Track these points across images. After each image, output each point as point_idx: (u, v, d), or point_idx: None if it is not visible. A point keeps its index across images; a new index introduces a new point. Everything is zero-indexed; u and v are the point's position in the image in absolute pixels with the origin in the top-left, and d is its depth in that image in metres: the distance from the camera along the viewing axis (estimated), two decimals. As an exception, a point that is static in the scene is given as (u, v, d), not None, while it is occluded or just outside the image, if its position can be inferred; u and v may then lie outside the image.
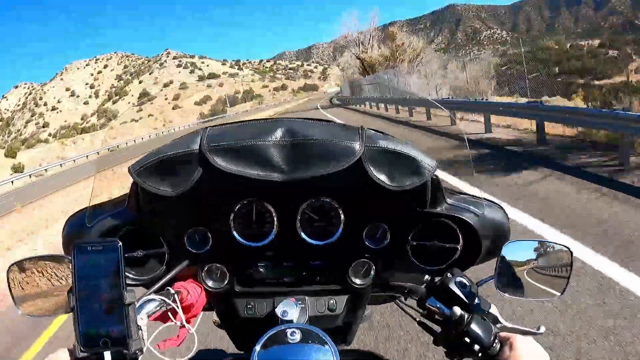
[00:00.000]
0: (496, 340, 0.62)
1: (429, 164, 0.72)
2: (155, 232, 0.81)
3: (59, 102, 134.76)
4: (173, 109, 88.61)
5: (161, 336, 0.70)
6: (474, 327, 0.63)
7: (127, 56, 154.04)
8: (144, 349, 0.59)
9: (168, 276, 0.79)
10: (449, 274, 0.70)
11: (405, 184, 0.71)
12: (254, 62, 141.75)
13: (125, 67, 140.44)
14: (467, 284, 0.68)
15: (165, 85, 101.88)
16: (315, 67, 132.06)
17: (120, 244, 0.56)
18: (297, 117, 0.78)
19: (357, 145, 0.70)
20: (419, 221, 0.80)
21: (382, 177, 0.71)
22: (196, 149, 0.71)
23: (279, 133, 0.72)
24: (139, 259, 0.80)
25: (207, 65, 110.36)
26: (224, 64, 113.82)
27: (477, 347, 0.62)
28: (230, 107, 78.77)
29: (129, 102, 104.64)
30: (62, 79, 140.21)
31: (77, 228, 0.81)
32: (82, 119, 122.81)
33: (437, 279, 0.72)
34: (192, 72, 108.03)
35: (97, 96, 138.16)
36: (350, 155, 0.69)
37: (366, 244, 0.82)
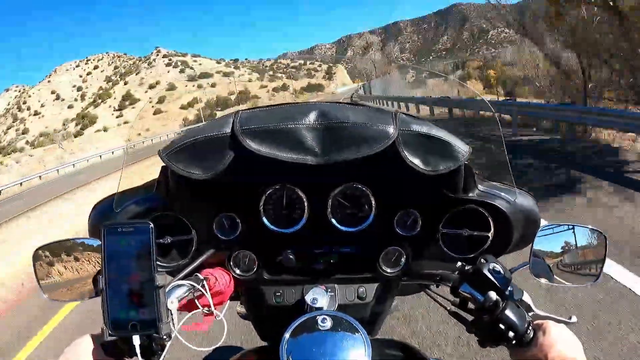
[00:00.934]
0: (530, 328, 0.62)
1: (462, 148, 0.71)
2: (183, 218, 0.80)
3: (42, 106, 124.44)
4: (154, 113, 77.27)
5: (188, 324, 0.68)
6: (508, 313, 0.62)
7: (118, 56, 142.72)
8: (173, 334, 0.57)
9: (197, 262, 0.78)
10: (482, 259, 0.69)
11: (439, 168, 0.70)
12: (253, 61, 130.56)
13: (116, 67, 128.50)
14: (501, 270, 0.67)
15: (151, 87, 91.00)
16: (319, 66, 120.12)
17: (152, 225, 0.54)
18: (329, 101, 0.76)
19: (391, 129, 0.69)
20: (450, 208, 0.79)
21: (417, 161, 0.70)
22: (228, 131, 0.70)
23: (312, 116, 0.71)
24: (166, 246, 0.79)
25: (200, 64, 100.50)
26: (219, 63, 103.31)
27: (511, 334, 0.61)
28: (221, 111, 66.51)
29: (109, 106, 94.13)
30: (49, 81, 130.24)
31: (103, 213, 0.81)
32: (63, 124, 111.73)
33: (468, 266, 0.71)
34: (182, 71, 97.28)
35: (83, 99, 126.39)
36: (384, 138, 0.68)
37: (397, 231, 0.81)
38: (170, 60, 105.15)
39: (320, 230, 0.80)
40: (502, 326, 0.62)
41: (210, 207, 0.79)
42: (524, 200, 0.80)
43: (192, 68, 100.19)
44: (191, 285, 0.69)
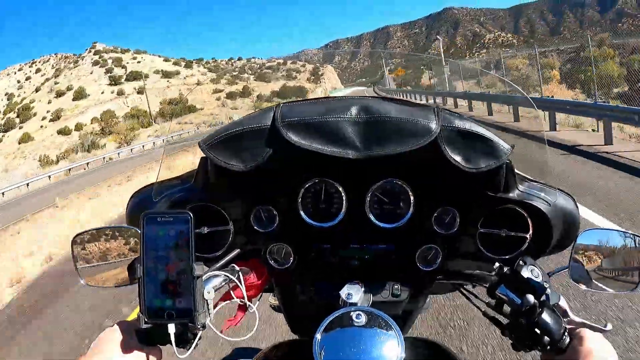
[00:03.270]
0: (565, 334, 0.60)
1: (504, 146, 0.70)
2: (221, 209, 0.80)
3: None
4: (19, 142, 48.55)
5: (222, 313, 0.67)
6: (544, 318, 0.61)
7: (66, 57, 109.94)
8: (207, 324, 0.57)
9: (233, 253, 0.79)
10: (520, 261, 0.67)
11: (481, 165, 0.69)
12: (221, 60, 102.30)
13: (58, 70, 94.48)
14: (540, 273, 0.66)
15: (59, 95, 61.26)
16: (303, 66, 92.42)
17: (192, 215, 0.54)
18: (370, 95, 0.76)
19: (433, 125, 0.68)
20: (489, 207, 0.77)
21: (458, 158, 0.69)
22: (269, 124, 0.70)
23: (353, 110, 0.70)
24: (203, 236, 0.79)
25: (139, 62, 72.73)
26: (167, 61, 74.58)
27: (546, 339, 0.60)
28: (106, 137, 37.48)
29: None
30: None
31: (142, 203, 0.82)
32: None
33: (506, 268, 0.70)
34: (109, 71, 67.57)
35: (11, 110, 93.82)
36: (426, 134, 0.68)
37: (435, 229, 0.79)
38: (101, 57, 76.88)
39: (357, 225, 0.79)
40: (537, 331, 0.60)
41: (248, 199, 0.79)
42: (565, 201, 0.79)
43: (124, 67, 70.06)
44: (227, 276, 0.69)
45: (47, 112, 59.04)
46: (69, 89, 65.70)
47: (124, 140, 34.99)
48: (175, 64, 75.88)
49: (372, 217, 0.79)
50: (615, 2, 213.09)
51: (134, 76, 62.13)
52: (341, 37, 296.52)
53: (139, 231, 0.55)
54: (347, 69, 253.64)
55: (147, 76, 62.46)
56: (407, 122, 0.68)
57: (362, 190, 0.78)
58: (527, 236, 0.77)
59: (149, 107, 45.04)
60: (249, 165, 0.69)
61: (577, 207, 0.80)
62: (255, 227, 0.80)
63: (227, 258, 0.77)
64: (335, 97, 0.77)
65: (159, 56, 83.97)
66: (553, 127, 8.68)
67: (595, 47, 13.32)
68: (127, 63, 75.80)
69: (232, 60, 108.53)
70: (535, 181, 0.80)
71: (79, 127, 47.61)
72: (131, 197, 0.85)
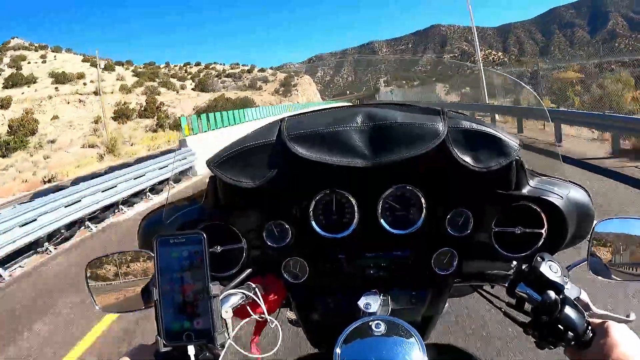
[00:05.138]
0: (589, 328, 0.60)
1: (513, 143, 0.70)
2: (233, 227, 0.79)
3: None
4: None
5: (241, 331, 0.67)
6: (567, 313, 0.60)
7: None
8: (227, 344, 0.56)
9: (248, 270, 0.77)
10: (538, 257, 0.67)
11: (491, 164, 0.69)
12: (174, 66, 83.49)
13: None
14: (559, 268, 0.65)
15: None
16: (273, 75, 73.82)
17: (204, 235, 0.54)
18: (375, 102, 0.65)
19: (440, 127, 0.68)
20: (502, 206, 0.77)
21: (467, 159, 0.69)
22: (275, 138, 0.70)
23: (359, 118, 0.70)
24: (217, 255, 0.78)
25: (44, 62, 55.57)
26: (87, 61, 55.45)
27: (570, 334, 0.59)
28: None
29: None
30: None
31: (153, 225, 0.82)
32: None
33: (524, 265, 0.70)
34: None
35: None
36: (434, 137, 0.68)
37: (449, 231, 0.79)
38: (2, 55, 57.19)
39: (370, 234, 0.78)
40: (561, 327, 0.59)
41: (259, 215, 0.78)
42: (577, 194, 0.78)
43: (19, 68, 49.73)
44: (244, 294, 0.68)
45: None
46: None
47: None
48: (92, 65, 56.59)
49: (385, 225, 0.78)
50: (605, 23, 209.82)
51: (14, 81, 42.55)
52: (324, 52, 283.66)
53: (152, 254, 0.55)
54: (330, 84, 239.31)
55: (34, 81, 42.94)
56: (413, 126, 0.68)
57: (373, 198, 0.77)
58: (543, 232, 0.76)
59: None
60: (258, 181, 0.69)
61: (590, 198, 0.79)
62: (268, 243, 0.78)
63: (242, 276, 0.75)
64: (340, 106, 0.77)
65: (79, 54, 64.81)
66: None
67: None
68: (29, 63, 56.30)
69: (188, 66, 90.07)
70: (546, 175, 0.79)
71: None
72: (142, 220, 0.85)
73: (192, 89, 51.03)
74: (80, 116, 35.24)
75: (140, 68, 63.50)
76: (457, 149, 0.68)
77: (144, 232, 0.83)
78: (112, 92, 43.68)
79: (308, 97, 68.50)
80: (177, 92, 48.48)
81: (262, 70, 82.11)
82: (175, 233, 0.57)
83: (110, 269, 0.72)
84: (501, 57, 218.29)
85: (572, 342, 0.59)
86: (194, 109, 32.18)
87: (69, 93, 41.74)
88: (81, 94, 41.91)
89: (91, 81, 48.42)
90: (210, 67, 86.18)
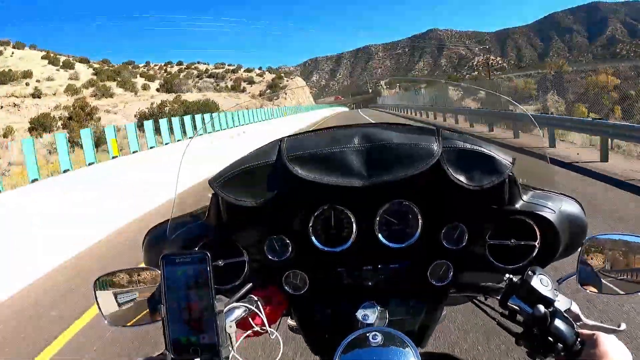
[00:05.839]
0: (579, 339, 0.61)
1: (506, 161, 0.72)
2: (235, 242, 0.82)
3: None
4: None
5: (243, 343, 0.69)
6: (557, 325, 0.61)
7: None
8: (231, 356, 0.59)
9: (250, 284, 0.80)
10: (529, 271, 0.68)
11: (484, 183, 0.71)
12: (154, 65, 77.00)
13: None
14: (549, 282, 0.67)
15: None
16: (261, 75, 67.35)
17: (209, 255, 0.57)
18: (370, 122, 0.80)
19: (435, 147, 0.71)
20: (496, 220, 0.79)
21: (462, 178, 0.71)
22: (275, 159, 0.73)
23: (356, 139, 0.74)
24: (219, 268, 0.80)
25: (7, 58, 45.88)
26: (45, 58, 49.08)
27: (559, 345, 0.61)
28: None
29: None
30: None
31: (156, 240, 0.85)
32: None
33: (515, 278, 0.70)
34: None
35: None
36: (429, 157, 0.70)
37: (444, 245, 0.81)
38: None
39: (368, 247, 0.80)
40: (551, 339, 0.61)
41: (260, 230, 0.81)
42: (570, 206, 0.80)
43: None
44: (246, 307, 0.70)
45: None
46: None
47: None
48: (51, 62, 49.85)
49: (382, 239, 0.80)
50: (604, 29, 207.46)
51: None
52: (320, 56, 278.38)
53: (158, 271, 0.58)
54: (325, 88, 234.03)
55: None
56: (409, 146, 0.71)
57: (371, 213, 0.79)
58: (536, 244, 0.78)
59: None
60: (259, 200, 0.71)
61: (583, 210, 0.81)
62: (269, 257, 0.81)
63: (244, 289, 0.77)
64: (338, 126, 0.80)
65: (41, 50, 58.23)
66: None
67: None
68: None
69: (169, 65, 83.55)
70: (539, 189, 0.81)
71: None
72: (146, 235, 0.87)
73: (157, 90, 44.58)
74: (13, 122, 28.81)
75: (112, 67, 56.38)
76: (452, 168, 0.70)
77: (148, 246, 0.86)
78: (54, 94, 37.37)
79: (299, 101, 62.38)
80: (136, 94, 42.10)
81: (248, 70, 75.63)
82: (181, 253, 0.59)
83: (118, 285, 0.74)
84: (500, 62, 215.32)
85: (562, 353, 0.61)
86: (135, 115, 25.56)
87: (4, 95, 35.54)
88: (17, 97, 35.70)
89: (37, 81, 41.75)
90: (193, 66, 79.61)
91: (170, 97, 35.81)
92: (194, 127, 12.06)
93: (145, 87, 45.11)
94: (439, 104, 23.55)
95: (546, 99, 16.82)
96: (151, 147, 9.77)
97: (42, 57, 53.40)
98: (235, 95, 46.40)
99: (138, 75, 53.31)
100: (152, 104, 29.62)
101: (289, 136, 0.77)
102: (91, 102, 30.62)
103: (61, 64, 50.34)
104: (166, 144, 10.48)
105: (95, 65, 55.97)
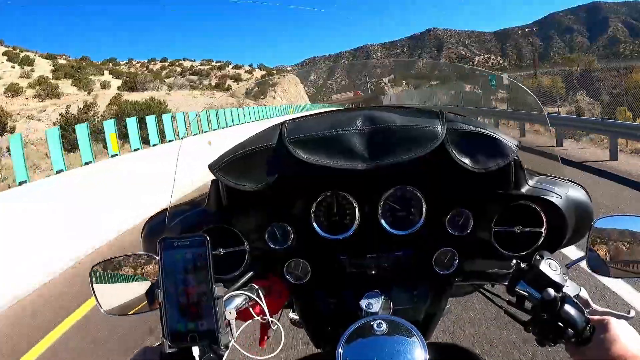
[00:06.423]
0: (589, 324, 0.60)
1: (511, 143, 0.71)
2: (235, 230, 0.80)
3: None
4: None
5: (244, 332, 0.67)
6: (566, 310, 0.60)
7: None
8: (230, 344, 0.57)
9: (250, 273, 0.79)
10: (537, 256, 0.67)
11: (489, 165, 0.69)
12: (136, 62, 71.64)
13: None
14: (557, 266, 0.66)
15: None
16: (249, 72, 61.84)
17: (208, 238, 0.55)
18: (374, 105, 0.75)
19: (439, 129, 0.69)
20: (501, 205, 0.77)
21: (466, 160, 0.69)
22: (276, 142, 0.71)
23: (358, 122, 0.72)
24: (219, 257, 0.79)
25: None
26: (6, 54, 43.40)
27: (570, 331, 0.59)
28: None
29: None
30: None
31: (157, 228, 0.83)
32: None
33: (523, 264, 0.69)
34: None
35: None
36: (432, 139, 0.69)
37: (449, 231, 0.79)
38: None
39: (371, 235, 0.79)
40: (561, 324, 0.60)
41: (261, 217, 0.79)
42: (576, 192, 0.79)
43: None
44: (247, 295, 0.69)
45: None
46: None
47: None
48: (10, 60, 44.28)
49: (385, 225, 0.78)
50: (605, 29, 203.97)
51: None
52: (318, 55, 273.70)
53: (156, 257, 0.57)
54: (322, 88, 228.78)
55: None
56: (412, 128, 0.69)
57: (374, 200, 0.78)
58: (542, 230, 0.77)
59: None
60: (260, 184, 0.70)
61: (589, 196, 0.80)
62: (270, 245, 0.79)
63: (245, 278, 0.76)
64: (340, 110, 0.78)
65: (7, 46, 52.63)
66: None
67: None
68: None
69: (152, 62, 78.13)
70: (544, 175, 0.80)
71: None
72: (145, 223, 0.86)
73: (118, 88, 39.09)
74: None
75: (72, 62, 50.85)
76: (456, 150, 0.69)
77: (147, 234, 0.84)
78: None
79: (291, 100, 57.13)
80: (89, 93, 36.60)
81: (237, 67, 70.27)
82: (179, 236, 0.57)
83: (114, 272, 0.73)
84: (500, 61, 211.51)
85: (572, 339, 0.60)
86: (57, 120, 20.00)
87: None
88: None
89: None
90: (177, 63, 74.35)
91: (134, 95, 30.23)
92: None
93: (105, 86, 39.71)
94: (466, 103, 19.62)
95: (576, 99, 15.19)
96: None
97: (3, 54, 47.81)
98: (210, 94, 40.87)
99: (107, 72, 47.63)
100: (68, 106, 23.82)
101: (290, 119, 0.75)
102: (27, 104, 25.05)
103: (20, 60, 44.65)
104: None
105: (62, 62, 50.34)
